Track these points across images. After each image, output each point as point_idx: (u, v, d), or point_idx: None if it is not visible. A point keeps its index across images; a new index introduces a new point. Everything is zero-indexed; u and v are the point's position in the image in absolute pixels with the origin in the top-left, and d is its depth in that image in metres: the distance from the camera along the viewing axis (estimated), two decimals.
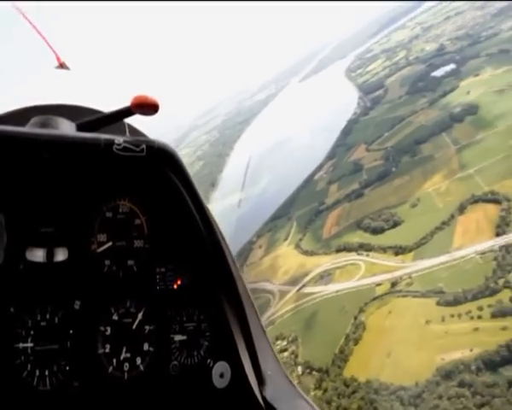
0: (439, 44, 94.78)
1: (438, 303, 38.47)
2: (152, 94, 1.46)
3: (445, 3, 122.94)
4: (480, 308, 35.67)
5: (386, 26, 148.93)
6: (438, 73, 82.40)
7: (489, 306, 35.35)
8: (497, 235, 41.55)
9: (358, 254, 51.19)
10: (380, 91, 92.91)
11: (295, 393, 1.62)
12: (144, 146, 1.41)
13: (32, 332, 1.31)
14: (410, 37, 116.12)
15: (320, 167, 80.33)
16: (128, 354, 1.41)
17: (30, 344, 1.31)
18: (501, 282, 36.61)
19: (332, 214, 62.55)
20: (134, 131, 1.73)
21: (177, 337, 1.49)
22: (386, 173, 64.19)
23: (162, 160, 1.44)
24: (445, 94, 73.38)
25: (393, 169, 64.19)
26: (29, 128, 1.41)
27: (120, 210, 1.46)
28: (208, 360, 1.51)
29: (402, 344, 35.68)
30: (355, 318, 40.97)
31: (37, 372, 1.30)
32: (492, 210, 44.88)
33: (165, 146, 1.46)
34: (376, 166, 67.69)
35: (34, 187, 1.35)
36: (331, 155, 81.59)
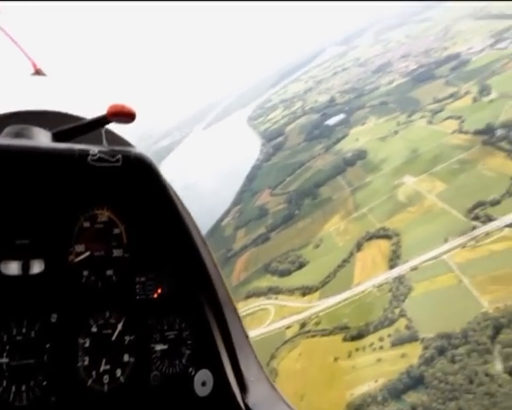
0: (330, 96, 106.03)
1: (344, 339, 40.68)
2: (129, 102, 1.47)
3: (332, 61, 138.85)
4: (381, 339, 38.56)
5: (283, 78, 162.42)
6: (330, 121, 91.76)
7: (388, 335, 38.41)
8: (391, 267, 46.14)
9: (267, 298, 52.33)
10: (280, 138, 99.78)
11: (278, 399, 1.63)
12: (120, 156, 1.42)
13: (7, 347, 1.28)
14: (305, 89, 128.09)
15: (227, 213, 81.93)
16: (108, 366, 1.39)
17: (5, 360, 1.27)
18: (397, 311, 40.25)
19: (240, 260, 63.56)
20: (113, 137, 1.72)
21: (158, 347, 1.48)
22: (290, 216, 67.89)
23: (138, 170, 1.45)
24: (337, 141, 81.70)
25: (296, 212, 68.24)
26: (2, 138, 1.40)
27: (98, 219, 1.45)
28: (190, 369, 1.50)
29: (314, 385, 36.66)
30: (267, 365, 41.17)
31: (14, 388, 1.27)
32: (385, 245, 49.97)
33: (142, 156, 1.47)
34: (281, 209, 71.34)
35: (8, 198, 1.33)
36: (237, 201, 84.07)
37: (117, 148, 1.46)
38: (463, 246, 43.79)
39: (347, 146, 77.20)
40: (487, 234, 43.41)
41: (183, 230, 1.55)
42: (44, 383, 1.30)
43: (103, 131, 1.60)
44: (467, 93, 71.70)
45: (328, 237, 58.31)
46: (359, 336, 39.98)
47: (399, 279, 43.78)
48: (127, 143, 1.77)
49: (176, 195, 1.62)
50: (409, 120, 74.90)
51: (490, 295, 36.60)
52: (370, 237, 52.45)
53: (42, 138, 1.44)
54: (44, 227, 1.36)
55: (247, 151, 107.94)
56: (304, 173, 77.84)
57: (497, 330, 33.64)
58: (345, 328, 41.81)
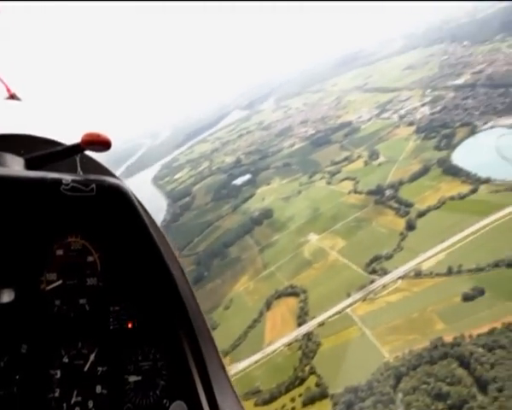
0: (236, 157, 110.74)
1: (256, 404, 40.08)
2: (103, 130, 1.46)
3: (236, 125, 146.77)
4: (293, 400, 38.84)
5: (189, 138, 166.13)
6: (237, 181, 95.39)
7: (300, 395, 38.85)
8: (299, 325, 47.73)
9: None
10: (188, 198, 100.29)
11: None
12: (94, 185, 1.43)
13: None
14: (212, 149, 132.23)
15: None
16: (79, 398, 1.37)
17: None
18: (307, 369, 41.26)
19: None
20: (90, 163, 1.71)
21: (132, 378, 1.46)
22: (199, 278, 67.10)
23: (113, 199, 1.46)
24: (245, 200, 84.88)
25: (206, 273, 67.83)
26: None
27: (72, 247, 1.46)
28: (164, 400, 1.48)
29: None
30: None
31: None
32: (293, 302, 51.82)
33: (117, 184, 1.47)
34: (189, 271, 70.29)
35: None
36: None
37: (91, 177, 1.48)
38: (364, 299, 47.35)
39: (254, 205, 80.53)
40: (384, 286, 47.66)
41: (158, 259, 1.55)
42: None
43: (78, 159, 1.62)
44: (359, 157, 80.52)
45: (238, 297, 58.67)
46: (271, 399, 39.82)
47: (308, 336, 45.33)
48: (105, 170, 1.79)
49: (153, 223, 1.65)
50: (310, 180, 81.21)
51: (389, 345, 39.64)
52: (279, 296, 54.05)
53: (14, 165, 1.46)
54: (15, 255, 1.37)
55: (152, 211, 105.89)
56: (212, 233, 78.63)
57: (398, 379, 36.18)
58: (257, 392, 41.42)
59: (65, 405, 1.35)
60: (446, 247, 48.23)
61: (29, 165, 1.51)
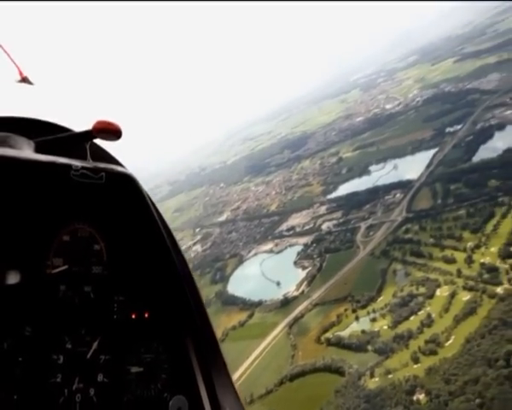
0: None
1: None
2: (115, 119, 1.45)
3: None
4: None
5: None
6: None
7: None
8: None
9: None
10: None
11: None
12: (103, 174, 1.44)
13: None
14: None
15: None
16: (81, 385, 1.37)
17: None
18: None
19: None
20: (99, 151, 1.69)
21: (134, 369, 1.46)
22: None
23: (122, 188, 1.47)
24: None
25: None
26: None
27: (79, 234, 1.47)
28: (165, 394, 1.48)
29: None
30: None
31: None
32: None
33: (126, 174, 1.49)
34: None
35: None
36: None
37: (101, 165, 1.49)
38: None
39: None
40: None
41: (165, 251, 1.58)
42: (15, 397, 1.29)
43: (87, 146, 1.61)
44: None
45: None
46: None
47: None
48: (113, 159, 1.79)
49: (160, 216, 1.65)
50: None
51: None
52: None
53: (25, 148, 1.48)
54: (22, 238, 1.39)
55: None
56: None
57: None
58: None
59: (66, 391, 1.36)
60: (237, 378, 50.29)
61: (39, 148, 1.53)
